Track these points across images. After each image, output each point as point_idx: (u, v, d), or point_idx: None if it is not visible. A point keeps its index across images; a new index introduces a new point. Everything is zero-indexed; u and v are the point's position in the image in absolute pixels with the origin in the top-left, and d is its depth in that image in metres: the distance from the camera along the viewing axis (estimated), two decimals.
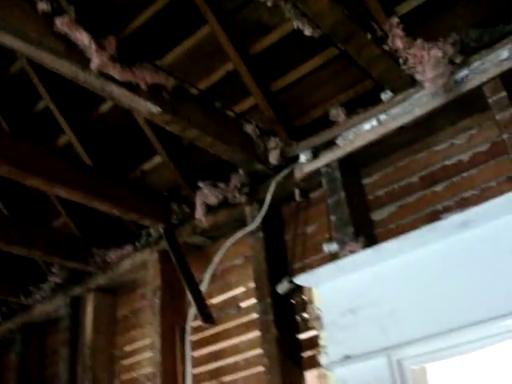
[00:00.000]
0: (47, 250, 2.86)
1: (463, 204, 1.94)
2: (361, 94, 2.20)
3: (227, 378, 2.39)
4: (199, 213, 2.38)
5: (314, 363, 2.11)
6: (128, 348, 2.91)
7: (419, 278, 1.75)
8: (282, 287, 2.17)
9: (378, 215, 2.15)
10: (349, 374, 1.79)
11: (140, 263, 2.79)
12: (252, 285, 2.35)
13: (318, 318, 1.96)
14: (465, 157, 2.04)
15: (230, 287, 2.51)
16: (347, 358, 1.79)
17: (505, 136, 1.83)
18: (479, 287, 1.63)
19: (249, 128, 2.25)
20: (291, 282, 2.13)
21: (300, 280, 1.96)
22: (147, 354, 2.73)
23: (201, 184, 2.41)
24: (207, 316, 2.34)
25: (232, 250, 2.50)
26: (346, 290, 1.87)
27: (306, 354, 2.15)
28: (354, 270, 1.85)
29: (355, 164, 2.21)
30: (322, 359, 1.89)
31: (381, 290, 1.80)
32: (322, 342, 1.94)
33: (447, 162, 2.07)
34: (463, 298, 1.65)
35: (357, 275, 1.85)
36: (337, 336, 1.85)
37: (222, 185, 2.39)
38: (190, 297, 2.37)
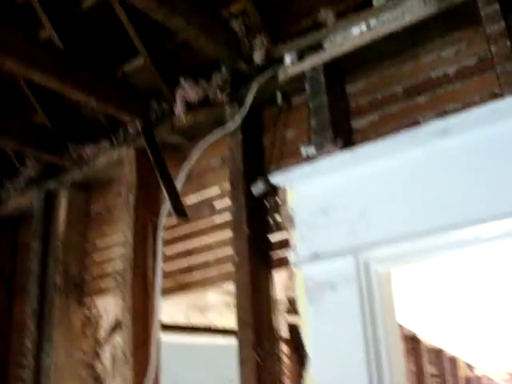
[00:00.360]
0: (20, 141, 2.82)
1: (444, 117, 1.94)
2: (352, 3, 2.15)
3: (197, 275, 2.44)
4: (179, 109, 2.34)
5: (283, 263, 2.16)
6: (100, 243, 2.93)
7: (394, 183, 1.76)
8: (257, 188, 2.18)
9: (358, 123, 2.14)
10: (316, 271, 1.83)
11: (116, 160, 2.77)
12: (227, 186, 2.35)
13: (290, 218, 1.97)
14: (451, 70, 2.02)
15: (205, 187, 2.52)
16: (316, 256, 1.83)
17: (493, 50, 1.81)
18: (452, 195, 1.66)
19: (235, 25, 2.19)
20: (266, 183, 2.14)
21: (275, 179, 1.97)
22: (119, 250, 2.75)
23: (182, 80, 2.37)
24: (181, 211, 2.35)
25: (209, 151, 2.49)
26: (320, 192, 1.89)
27: (276, 254, 2.19)
28: (329, 171, 1.86)
29: (340, 70, 2.18)
30: (291, 257, 1.92)
31: (354, 192, 1.82)
32: (292, 241, 1.96)
33: (432, 74, 2.05)
34: (435, 204, 1.68)
35: (332, 177, 1.86)
36: (307, 235, 1.88)
37: (203, 82, 2.35)
38: (164, 192, 2.37)
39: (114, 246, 2.83)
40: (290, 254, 1.94)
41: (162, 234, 2.50)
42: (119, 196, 2.86)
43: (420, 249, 1.71)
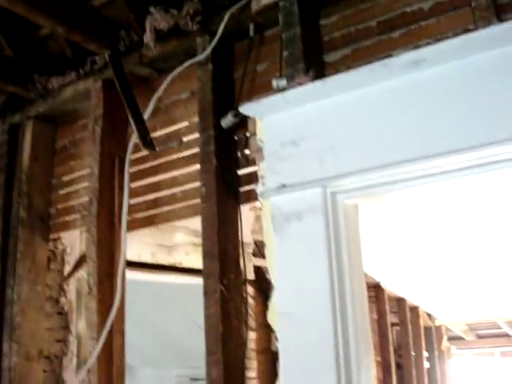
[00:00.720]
0: None
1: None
2: None
3: (164, 209, 2.43)
4: (148, 37, 2.28)
5: (250, 197, 2.16)
6: (66, 178, 2.88)
7: (365, 115, 1.75)
8: (227, 121, 2.15)
9: (331, 57, 2.11)
10: (283, 202, 1.83)
11: (83, 91, 2.69)
12: (196, 120, 2.32)
13: (258, 150, 1.96)
14: (426, 5, 1.99)
15: (173, 121, 2.48)
16: (283, 186, 1.83)
17: None
18: (421, 127, 1.66)
19: None
20: (236, 115, 2.11)
21: (245, 109, 1.94)
22: (85, 184, 2.71)
23: (152, 9, 2.29)
24: (149, 143, 2.31)
25: (179, 84, 2.44)
26: (290, 123, 1.87)
27: (244, 188, 2.18)
28: (300, 102, 1.84)
29: (315, 2, 2.14)
30: (259, 188, 1.92)
31: (325, 124, 1.81)
32: (260, 172, 1.95)
33: (407, 9, 2.02)
34: (404, 137, 1.68)
35: (303, 108, 1.85)
36: (275, 166, 1.87)
37: (174, 11, 2.28)
38: (132, 124, 2.32)
39: (81, 181, 2.78)
40: (258, 186, 1.94)
41: (128, 168, 2.46)
42: (86, 130, 2.80)
43: (387, 181, 1.72)
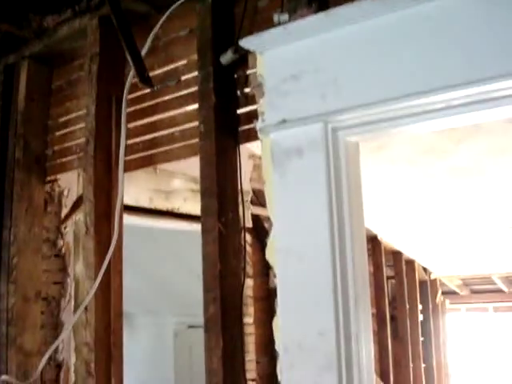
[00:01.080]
0: None
1: None
2: None
3: (162, 149, 2.39)
4: None
5: (250, 136, 2.11)
6: (62, 119, 2.83)
7: (368, 48, 1.71)
8: (226, 57, 2.10)
9: None
10: (283, 138, 1.81)
11: (79, 30, 2.62)
12: (195, 58, 2.26)
13: (259, 86, 1.92)
14: None
15: (172, 60, 2.41)
16: (284, 122, 1.79)
17: None
18: (426, 61, 1.62)
19: None
20: (236, 51, 2.06)
21: (245, 42, 1.89)
22: (82, 125, 2.67)
23: None
24: (146, 79, 2.26)
25: (177, 22, 2.38)
26: (292, 57, 1.83)
27: (243, 127, 2.14)
28: (302, 35, 1.79)
29: None
30: (259, 124, 1.88)
31: (327, 57, 1.76)
32: (260, 109, 1.91)
33: None
34: (407, 71, 1.64)
35: (305, 42, 1.80)
36: (276, 102, 1.84)
37: None
38: (129, 61, 2.26)
39: (77, 122, 2.74)
40: (258, 122, 1.90)
41: (126, 108, 2.42)
42: (82, 70, 2.74)
43: (389, 116, 1.68)
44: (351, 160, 1.82)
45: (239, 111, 2.17)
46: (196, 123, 2.22)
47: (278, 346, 1.77)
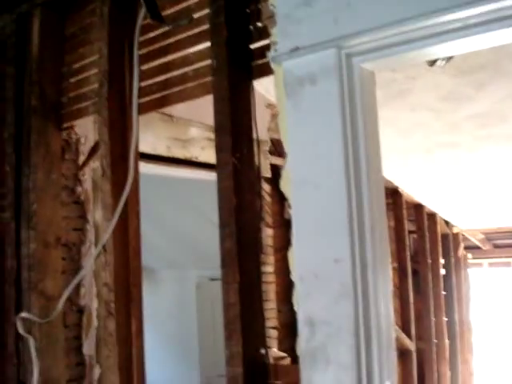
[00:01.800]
0: None
1: None
2: None
3: (175, 89, 2.37)
4: None
5: (263, 71, 2.08)
6: (76, 65, 2.81)
7: None
8: None
9: None
10: (296, 65, 1.77)
11: None
12: None
13: (271, 16, 1.88)
14: None
15: None
16: (297, 49, 1.75)
17: None
18: None
19: None
20: None
21: None
22: (95, 71, 2.65)
23: None
24: (157, 15, 2.23)
25: None
26: None
27: (257, 62, 2.11)
28: None
29: None
30: (271, 54, 1.85)
31: None
32: (272, 38, 1.88)
33: None
34: None
35: None
36: (288, 29, 1.80)
37: None
38: None
39: (91, 68, 2.71)
40: (270, 52, 1.87)
41: (138, 49, 2.40)
42: (94, 15, 2.71)
43: (404, 39, 1.63)
44: (366, 89, 1.78)
45: (252, 46, 2.13)
46: (209, 61, 2.19)
47: (294, 275, 1.77)
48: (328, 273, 1.67)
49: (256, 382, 1.98)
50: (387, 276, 1.74)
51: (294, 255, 1.76)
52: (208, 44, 2.20)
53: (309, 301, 1.72)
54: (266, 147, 3.93)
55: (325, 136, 1.70)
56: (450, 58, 2.74)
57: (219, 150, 2.02)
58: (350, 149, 1.68)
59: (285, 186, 1.83)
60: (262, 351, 2.03)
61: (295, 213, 1.76)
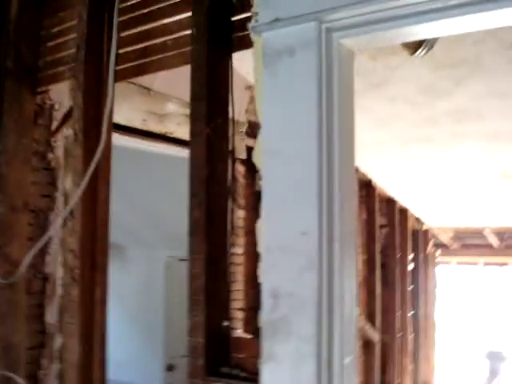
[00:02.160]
0: None
1: None
2: None
3: (154, 57, 2.34)
4: None
5: (243, 44, 2.07)
6: (55, 29, 2.77)
7: None
8: None
9: None
10: (276, 37, 1.75)
11: None
12: None
13: None
14: None
15: None
16: (277, 20, 1.74)
17: None
18: None
19: None
20: None
21: None
22: (75, 35, 2.61)
23: None
24: None
25: None
26: None
27: (237, 34, 2.10)
28: None
29: None
30: (251, 24, 1.83)
31: None
32: (253, 9, 1.86)
33: None
34: None
35: None
36: (270, 0, 1.78)
37: None
38: None
39: (70, 32, 2.67)
40: (251, 22, 1.85)
41: (117, 14, 2.36)
42: None
43: (385, 16, 1.63)
44: (345, 65, 1.78)
45: (234, 18, 2.12)
46: (189, 31, 2.17)
47: (261, 247, 1.77)
48: (295, 245, 1.67)
49: (217, 353, 1.98)
50: (353, 252, 1.75)
51: (262, 227, 1.76)
52: (189, 14, 2.19)
53: (274, 272, 1.71)
54: (243, 129, 3.91)
55: (300, 108, 1.70)
56: (429, 49, 2.76)
57: (193, 119, 2.01)
58: (324, 122, 1.68)
59: (257, 157, 1.82)
60: (225, 323, 2.03)
61: (265, 184, 1.76)
